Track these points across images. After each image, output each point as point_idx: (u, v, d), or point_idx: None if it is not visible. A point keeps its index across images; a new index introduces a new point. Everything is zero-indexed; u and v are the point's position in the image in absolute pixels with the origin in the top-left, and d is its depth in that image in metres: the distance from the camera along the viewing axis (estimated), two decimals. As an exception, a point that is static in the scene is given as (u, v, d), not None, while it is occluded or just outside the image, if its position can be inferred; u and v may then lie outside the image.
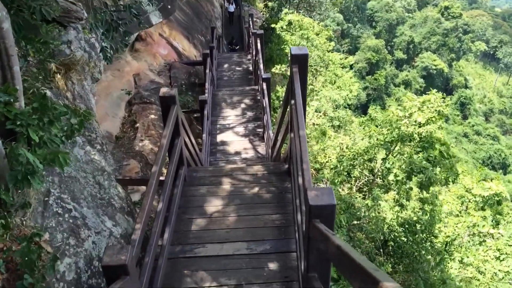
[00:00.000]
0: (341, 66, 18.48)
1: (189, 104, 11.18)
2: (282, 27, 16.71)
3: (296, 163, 3.72)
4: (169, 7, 10.91)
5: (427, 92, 9.67)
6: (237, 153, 8.33)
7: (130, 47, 13.00)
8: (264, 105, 8.09)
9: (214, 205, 4.66)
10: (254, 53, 11.60)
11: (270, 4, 24.84)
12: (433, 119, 8.74)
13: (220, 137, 8.83)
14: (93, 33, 7.29)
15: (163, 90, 4.14)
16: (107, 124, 10.00)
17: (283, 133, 5.07)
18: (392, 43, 75.02)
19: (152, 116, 10.33)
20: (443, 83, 70.02)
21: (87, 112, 3.86)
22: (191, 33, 17.33)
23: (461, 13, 79.61)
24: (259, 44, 10.05)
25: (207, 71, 9.82)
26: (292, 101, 4.12)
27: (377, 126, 11.58)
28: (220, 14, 22.84)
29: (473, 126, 62.89)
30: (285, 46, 16.89)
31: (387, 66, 68.98)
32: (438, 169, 9.19)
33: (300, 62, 3.91)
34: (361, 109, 56.33)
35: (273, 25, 17.36)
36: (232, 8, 23.80)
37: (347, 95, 17.76)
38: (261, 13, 25.95)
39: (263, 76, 8.48)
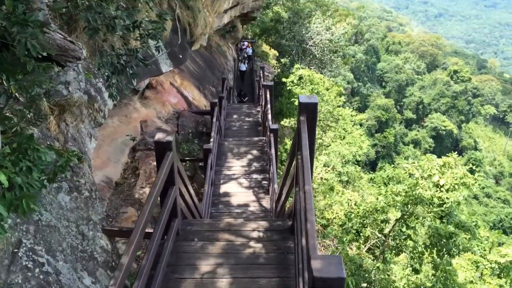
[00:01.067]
0: (352, 122, 18.35)
1: (195, 153, 10.94)
2: (292, 81, 16.78)
3: (300, 221, 3.30)
4: (180, 56, 10.93)
5: (447, 154, 9.36)
6: (240, 206, 7.89)
7: (140, 94, 13.02)
8: (271, 156, 7.75)
9: (208, 263, 4.18)
10: (263, 104, 11.47)
11: (282, 60, 25.34)
12: (456, 186, 8.32)
13: (223, 188, 8.43)
14: (100, 77, 7.19)
15: (159, 135, 3.84)
16: (109, 169, 9.74)
17: (288, 187, 4.68)
18: (402, 103, 75.84)
19: (155, 163, 10.06)
20: (452, 144, 69.87)
21: (73, 153, 3.54)
22: (203, 83, 17.47)
23: (470, 77, 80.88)
24: (268, 95, 9.91)
25: (214, 119, 9.62)
26: (299, 153, 3.77)
27: (386, 184, 11.10)
28: (233, 67, 23.21)
29: (483, 188, 61.71)
30: (294, 99, 16.87)
31: (396, 124, 69.31)
32: (463, 235, 8.62)
33: (309, 111, 3.61)
34: (370, 166, 55.93)
35: (284, 79, 17.47)
36: (243, 67, 23.93)
37: (357, 151, 17.46)
38: (273, 68, 26.43)
39: (271, 127, 8.22)
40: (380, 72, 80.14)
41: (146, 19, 5.86)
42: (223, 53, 21.99)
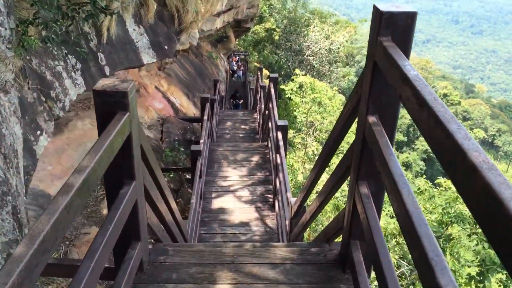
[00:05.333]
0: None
1: (181, 163, 9.12)
2: (292, 89, 15.08)
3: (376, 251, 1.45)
4: (166, 47, 9.17)
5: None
6: (239, 225, 6.01)
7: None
8: (279, 160, 5.90)
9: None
10: (263, 106, 9.71)
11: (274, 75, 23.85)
12: None
13: (216, 203, 6.55)
14: (60, 59, 5.42)
15: (104, 81, 1.99)
16: (72, 180, 7.84)
17: (329, 189, 2.83)
18: (393, 125, 75.17)
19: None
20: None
21: None
22: (192, 91, 15.82)
23: (459, 101, 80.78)
24: (272, 90, 8.11)
25: (205, 117, 7.79)
26: (371, 116, 1.96)
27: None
28: (225, 78, 21.64)
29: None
30: (293, 109, 15.17)
31: (388, 147, 68.24)
32: None
33: (397, 27, 1.84)
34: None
35: (282, 87, 15.77)
36: (240, 72, 22.21)
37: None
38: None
39: (277, 123, 6.39)
40: (372, 94, 79.74)
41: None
42: (214, 62, 20.41)
